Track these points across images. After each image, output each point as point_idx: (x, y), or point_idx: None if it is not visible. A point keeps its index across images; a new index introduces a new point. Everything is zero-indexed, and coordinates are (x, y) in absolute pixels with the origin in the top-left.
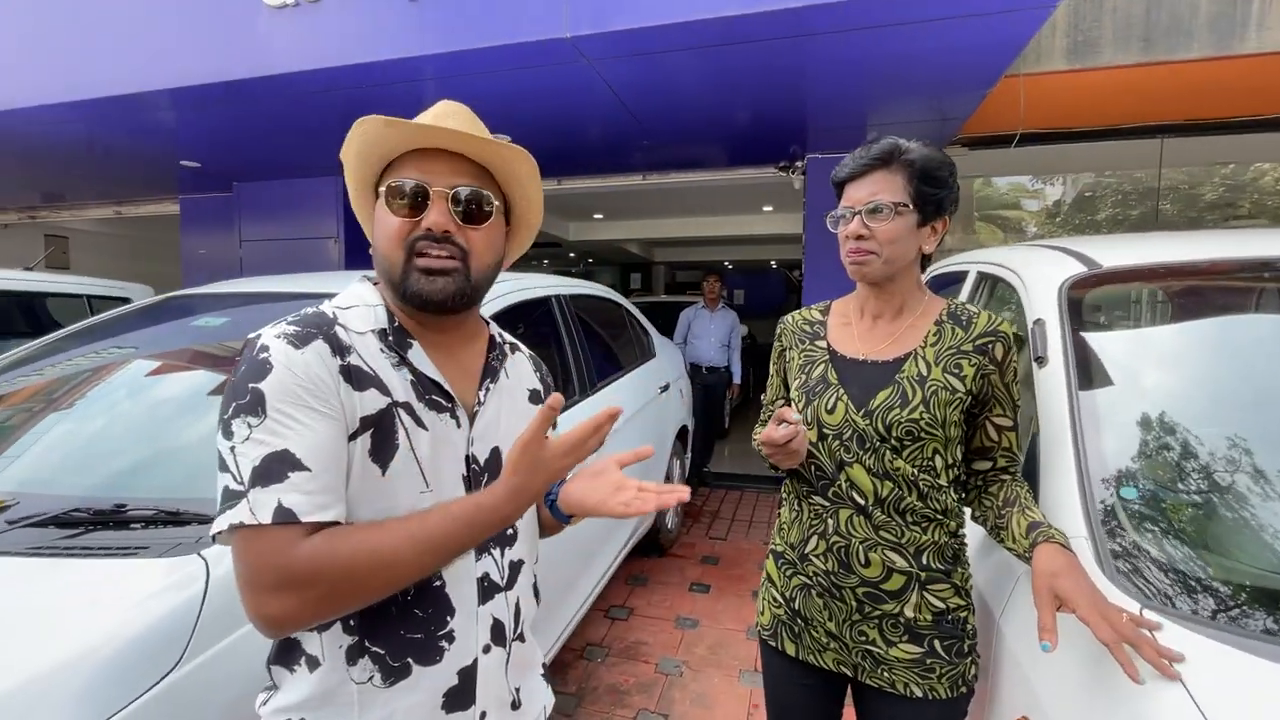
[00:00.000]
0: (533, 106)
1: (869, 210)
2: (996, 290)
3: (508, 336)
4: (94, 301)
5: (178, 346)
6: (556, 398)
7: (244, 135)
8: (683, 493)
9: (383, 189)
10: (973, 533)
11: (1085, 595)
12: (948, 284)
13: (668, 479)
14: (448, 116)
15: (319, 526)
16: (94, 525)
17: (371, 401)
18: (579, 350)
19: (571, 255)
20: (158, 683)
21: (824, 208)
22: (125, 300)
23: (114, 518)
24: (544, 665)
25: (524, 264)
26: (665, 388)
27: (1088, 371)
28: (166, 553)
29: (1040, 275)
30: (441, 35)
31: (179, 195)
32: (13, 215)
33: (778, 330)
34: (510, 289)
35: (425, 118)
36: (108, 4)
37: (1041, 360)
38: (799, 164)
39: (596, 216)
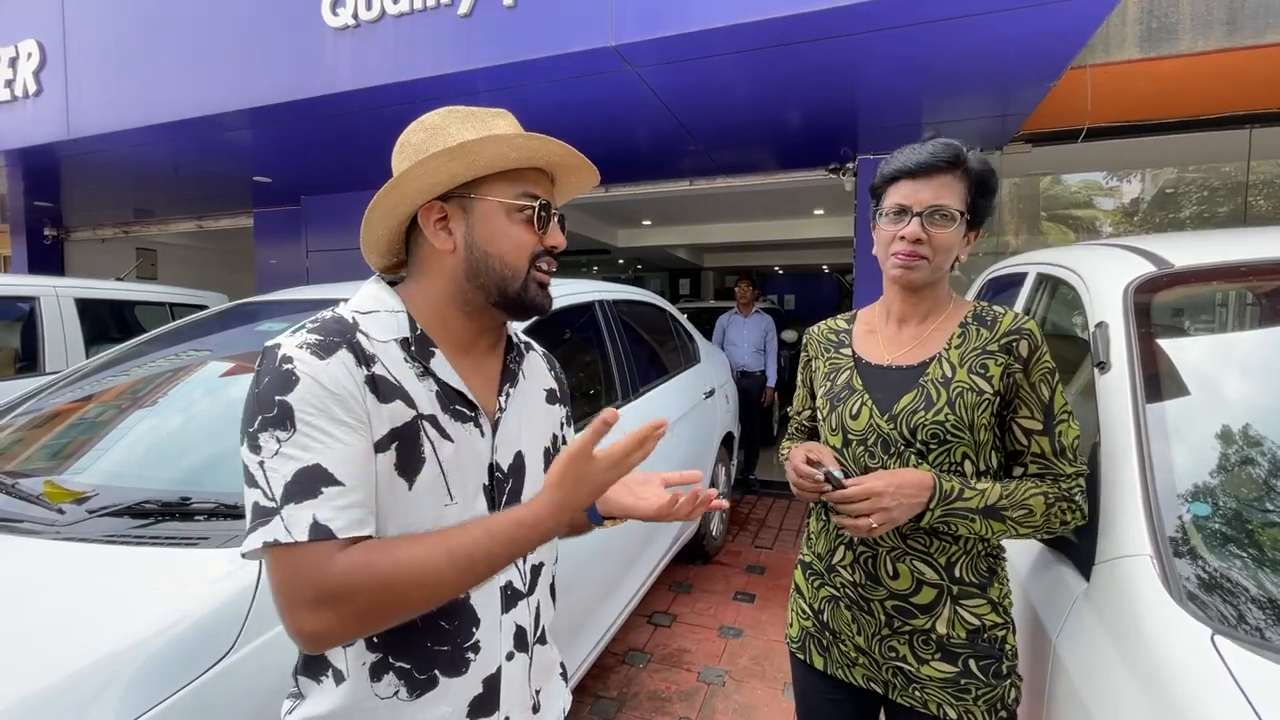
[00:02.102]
0: (580, 115)
1: (930, 214)
2: (1058, 292)
3: (522, 335)
4: (175, 308)
5: (246, 349)
6: (611, 413)
7: (309, 151)
8: (721, 502)
9: (514, 200)
10: (1025, 549)
11: (881, 478)
12: (1006, 286)
13: (712, 485)
14: (517, 127)
15: (355, 542)
16: (163, 516)
17: (398, 414)
18: (622, 355)
19: (620, 262)
20: (213, 666)
21: None
22: (202, 307)
23: (179, 510)
24: (561, 665)
25: (572, 270)
26: (710, 393)
27: (1155, 379)
28: (225, 544)
29: (1104, 276)
30: (491, 49)
31: (253, 209)
32: (109, 230)
33: (803, 341)
34: (554, 294)
35: (502, 126)
36: (188, 33)
37: (1104, 366)
38: (850, 165)
39: (645, 223)
